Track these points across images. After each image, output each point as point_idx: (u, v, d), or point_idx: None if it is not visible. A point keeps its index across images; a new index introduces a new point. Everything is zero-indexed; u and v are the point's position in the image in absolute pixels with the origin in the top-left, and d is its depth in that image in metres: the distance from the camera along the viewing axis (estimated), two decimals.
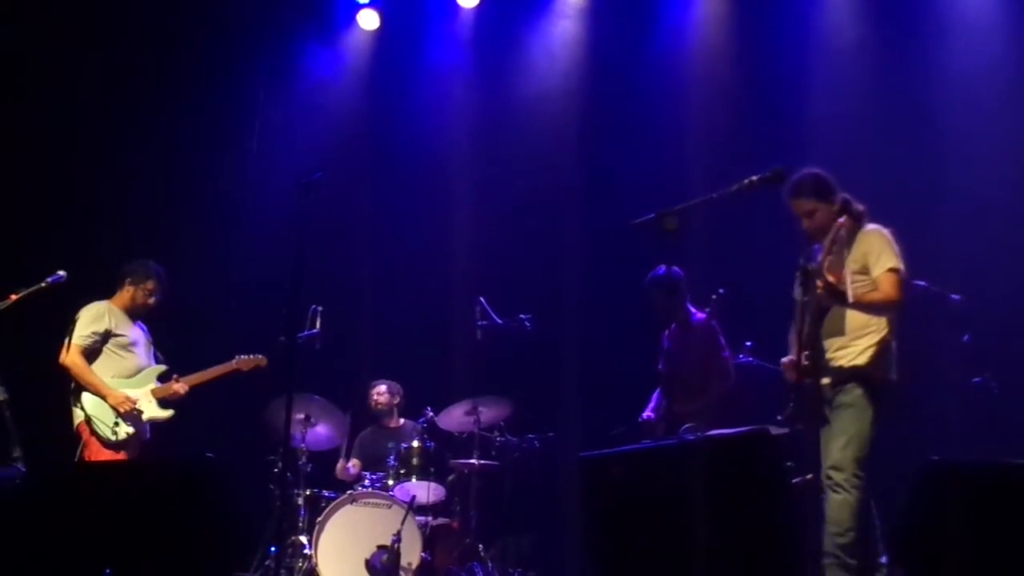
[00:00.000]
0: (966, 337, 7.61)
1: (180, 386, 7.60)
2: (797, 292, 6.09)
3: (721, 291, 7.56)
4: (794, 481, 6.30)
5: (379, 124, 10.24)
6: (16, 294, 7.03)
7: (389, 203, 10.01)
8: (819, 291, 5.74)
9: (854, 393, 5.90)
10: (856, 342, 5.95)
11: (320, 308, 7.92)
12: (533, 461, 8.60)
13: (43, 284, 7.16)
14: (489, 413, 8.24)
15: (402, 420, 8.93)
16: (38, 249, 8.54)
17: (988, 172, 8.30)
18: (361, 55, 10.47)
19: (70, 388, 7.44)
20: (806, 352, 5.88)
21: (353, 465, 8.51)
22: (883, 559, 6.01)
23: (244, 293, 9.37)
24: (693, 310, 7.68)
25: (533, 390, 8.89)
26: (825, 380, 5.95)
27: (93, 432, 7.32)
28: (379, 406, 8.91)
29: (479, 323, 8.20)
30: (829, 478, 5.83)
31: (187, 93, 9.68)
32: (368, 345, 9.81)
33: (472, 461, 8.14)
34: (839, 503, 5.77)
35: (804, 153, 8.37)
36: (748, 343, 7.85)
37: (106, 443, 7.29)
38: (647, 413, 7.72)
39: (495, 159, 9.88)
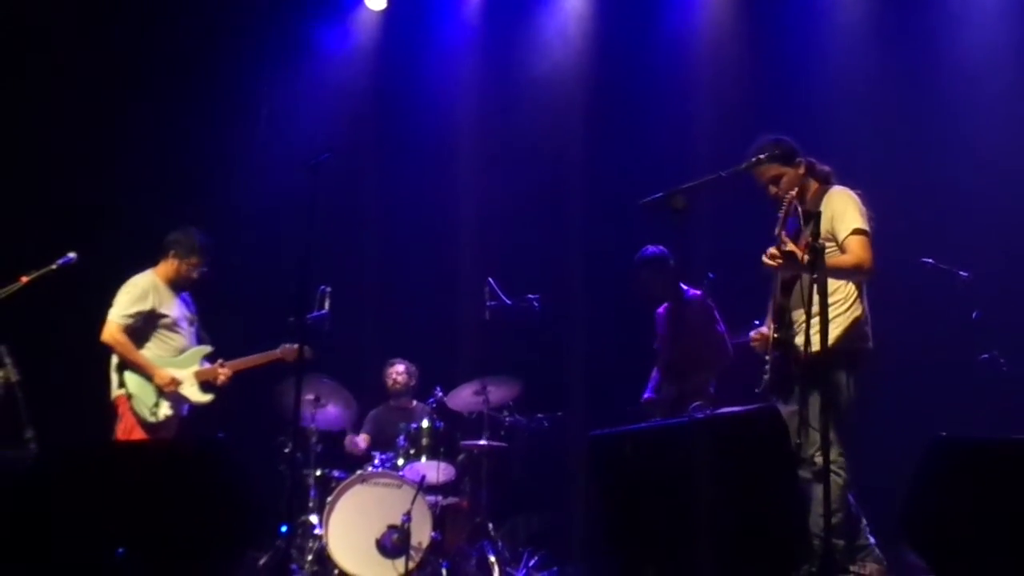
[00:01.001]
0: (975, 314, 7.62)
1: (224, 371, 7.55)
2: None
3: (711, 275, 7.56)
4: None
5: (387, 104, 10.24)
6: (26, 276, 7.05)
7: (397, 184, 10.02)
8: (773, 261, 5.69)
9: (827, 373, 5.75)
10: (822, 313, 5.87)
11: (329, 289, 7.90)
12: (542, 440, 8.62)
13: (53, 266, 7.16)
14: (498, 393, 8.25)
15: (415, 402, 8.95)
16: (47, 231, 8.56)
17: (997, 149, 8.30)
18: (368, 35, 10.46)
19: (112, 363, 7.38)
20: (775, 324, 5.86)
21: (363, 439, 8.54)
22: (871, 541, 5.99)
23: (253, 274, 9.38)
24: (685, 287, 7.69)
25: (542, 370, 8.91)
26: (793, 352, 5.88)
27: (132, 409, 7.29)
28: (397, 386, 8.94)
29: (488, 303, 8.20)
30: (815, 463, 5.78)
31: (195, 75, 9.69)
32: (377, 326, 9.82)
33: (481, 441, 8.16)
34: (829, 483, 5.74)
35: (812, 131, 8.39)
36: (756, 322, 7.84)
37: (143, 423, 7.26)
38: (647, 394, 7.75)
39: (503, 139, 9.88)
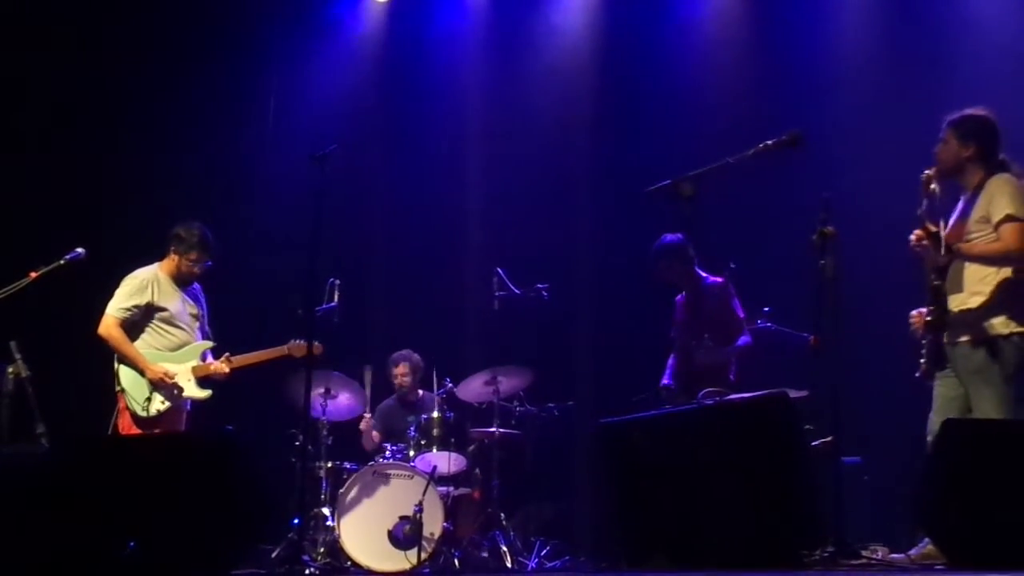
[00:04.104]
0: None
1: (222, 366, 7.43)
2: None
3: (733, 265, 7.54)
4: (813, 444, 6.33)
5: (394, 95, 10.23)
6: (35, 271, 7.05)
7: (405, 174, 10.00)
8: (919, 243, 5.69)
9: (975, 360, 5.71)
10: (974, 297, 5.76)
11: (338, 281, 7.90)
12: (553, 430, 8.61)
13: (62, 261, 7.16)
14: (508, 383, 8.24)
15: (422, 392, 8.92)
16: (56, 225, 8.57)
17: (1007, 131, 8.25)
18: (375, 26, 10.44)
19: (114, 357, 7.33)
20: (929, 307, 5.79)
21: (376, 435, 8.53)
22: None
23: (261, 267, 9.38)
24: (704, 274, 7.67)
25: (552, 359, 8.90)
26: (946, 337, 5.80)
27: (125, 404, 7.26)
28: (402, 387, 8.86)
29: (497, 293, 8.19)
30: None
31: (202, 66, 9.68)
32: (386, 317, 9.83)
33: (492, 431, 8.16)
34: None
35: (820, 117, 8.38)
36: (766, 308, 7.84)
37: (136, 418, 7.23)
38: (666, 380, 7.70)
39: (512, 128, 9.86)
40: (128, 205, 9.20)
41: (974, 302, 5.75)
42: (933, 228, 5.69)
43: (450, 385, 8.40)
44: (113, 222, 8.88)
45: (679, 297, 7.78)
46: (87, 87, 9.51)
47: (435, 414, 8.11)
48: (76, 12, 9.53)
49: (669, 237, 7.54)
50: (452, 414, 8.18)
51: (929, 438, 5.86)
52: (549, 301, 8.23)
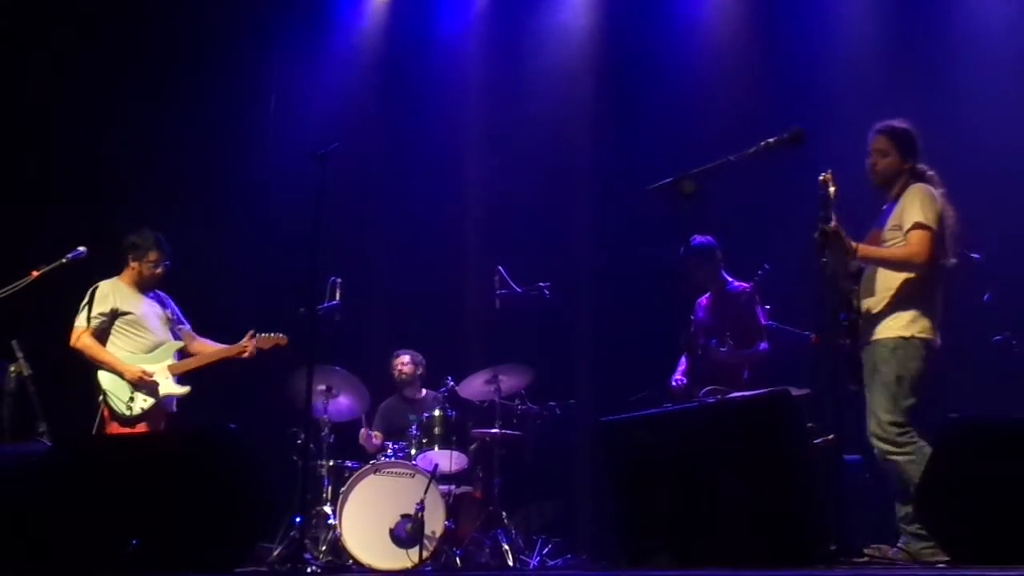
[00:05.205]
0: (987, 296, 7.59)
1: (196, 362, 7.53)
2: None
3: (767, 266, 7.54)
4: (815, 442, 6.32)
5: (396, 93, 10.22)
6: (37, 270, 7.07)
7: (407, 173, 10.01)
8: (822, 241, 5.69)
9: (872, 358, 5.80)
10: (883, 300, 5.84)
11: (339, 279, 7.92)
12: (554, 428, 8.61)
13: (64, 260, 7.18)
14: (510, 381, 8.24)
15: (424, 391, 8.93)
16: (58, 224, 8.56)
17: (1007, 129, 8.25)
18: (376, 24, 10.44)
19: (93, 366, 7.44)
20: (841, 314, 5.84)
21: (375, 436, 8.52)
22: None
23: (263, 266, 9.37)
24: (730, 279, 7.67)
25: (553, 358, 8.90)
26: (863, 341, 5.87)
27: (108, 406, 7.30)
28: (403, 376, 8.88)
29: (498, 292, 8.21)
30: (874, 448, 5.80)
31: (204, 65, 9.68)
32: (388, 315, 9.82)
33: (494, 429, 8.16)
34: (894, 468, 5.71)
35: (821, 115, 8.38)
36: (767, 306, 7.84)
37: (121, 419, 7.27)
38: (679, 377, 7.67)
39: (513, 127, 9.85)
40: (129, 203, 9.19)
41: (883, 305, 5.84)
42: (833, 227, 5.70)
43: (451, 383, 8.40)
44: (114, 220, 8.86)
45: (702, 299, 7.79)
46: (87, 85, 9.50)
47: (436, 412, 8.12)
48: (76, 10, 9.54)
49: (699, 238, 7.54)
50: (453, 412, 8.19)
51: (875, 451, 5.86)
52: (550, 299, 8.24)
